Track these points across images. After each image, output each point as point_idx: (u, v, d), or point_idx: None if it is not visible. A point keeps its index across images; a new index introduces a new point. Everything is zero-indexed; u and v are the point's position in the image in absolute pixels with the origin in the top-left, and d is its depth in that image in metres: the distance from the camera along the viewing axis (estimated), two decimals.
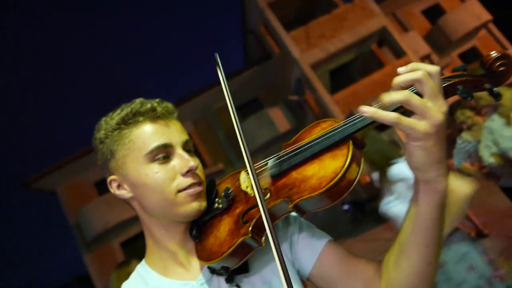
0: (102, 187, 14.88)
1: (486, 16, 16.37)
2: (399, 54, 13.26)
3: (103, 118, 0.78)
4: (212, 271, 0.73)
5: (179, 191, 0.72)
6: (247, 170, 0.73)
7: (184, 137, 0.77)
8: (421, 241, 0.63)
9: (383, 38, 13.67)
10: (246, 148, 0.66)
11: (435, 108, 0.55)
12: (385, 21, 13.33)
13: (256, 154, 15.06)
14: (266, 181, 0.72)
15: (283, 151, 0.74)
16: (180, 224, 0.76)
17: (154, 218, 0.77)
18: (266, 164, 0.74)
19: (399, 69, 0.57)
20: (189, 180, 0.73)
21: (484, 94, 3.28)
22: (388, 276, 0.69)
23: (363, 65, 15.02)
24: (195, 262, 0.78)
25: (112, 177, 0.77)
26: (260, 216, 0.66)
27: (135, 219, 14.03)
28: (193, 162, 0.73)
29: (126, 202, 0.80)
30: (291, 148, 0.71)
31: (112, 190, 0.78)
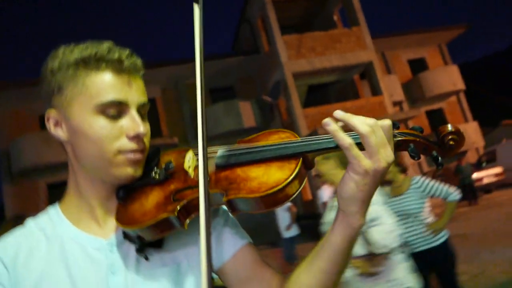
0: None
1: (460, 85, 17.50)
2: (376, 92, 13.78)
3: (62, 48, 0.71)
4: (126, 236, 0.70)
5: (119, 152, 0.69)
6: (195, 151, 0.73)
7: (142, 99, 0.72)
8: (325, 268, 0.66)
9: (366, 71, 14.13)
10: (204, 130, 0.64)
11: (383, 155, 0.58)
12: (374, 57, 13.80)
13: (213, 140, 14.95)
14: (209, 168, 0.70)
15: (236, 145, 0.74)
16: (108, 183, 0.73)
17: (83, 169, 0.73)
18: (216, 152, 0.73)
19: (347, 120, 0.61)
20: (132, 145, 0.69)
21: (393, 169, 3.43)
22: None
23: (341, 90, 15.44)
24: (111, 222, 0.75)
25: (53, 112, 0.72)
26: (192, 199, 0.65)
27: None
28: (142, 128, 0.69)
29: (59, 143, 0.75)
30: (245, 146, 0.71)
31: (48, 126, 0.73)
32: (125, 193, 0.73)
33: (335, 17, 15.48)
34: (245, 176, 0.65)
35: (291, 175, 0.61)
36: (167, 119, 15.22)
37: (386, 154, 0.58)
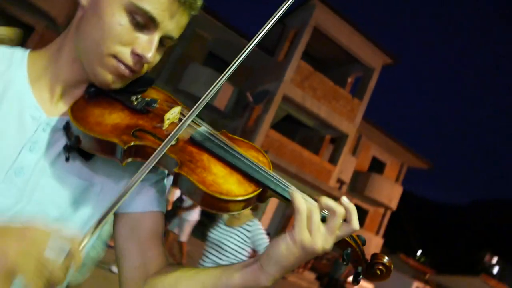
0: None
1: (394, 204, 18.83)
2: (333, 160, 14.35)
3: None
4: (67, 128, 0.67)
5: (114, 56, 0.65)
6: (184, 111, 0.73)
7: (174, 33, 0.69)
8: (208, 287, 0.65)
9: (338, 139, 14.71)
10: (205, 100, 0.64)
11: (322, 238, 0.60)
12: (353, 133, 14.41)
13: (179, 95, 14.54)
14: (183, 134, 0.69)
15: (220, 134, 0.74)
16: (86, 73, 0.69)
17: (76, 42, 0.68)
18: (199, 126, 0.72)
19: (343, 197, 0.63)
20: (128, 60, 0.66)
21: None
22: (160, 281, 0.69)
23: (308, 138, 15.89)
24: (62, 105, 0.71)
25: None
26: (148, 146, 0.64)
27: (42, 13, 12.22)
28: (150, 55, 0.66)
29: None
30: (226, 142, 0.71)
31: None
32: (95, 94, 0.70)
33: (349, 79, 16.00)
34: (207, 165, 0.65)
35: (243, 195, 0.62)
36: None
37: (327, 241, 0.60)
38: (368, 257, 0.67)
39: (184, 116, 0.71)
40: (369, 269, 0.66)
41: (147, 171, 0.57)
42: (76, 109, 0.66)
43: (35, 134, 0.66)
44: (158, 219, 0.77)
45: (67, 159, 0.66)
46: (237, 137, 0.75)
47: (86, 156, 0.68)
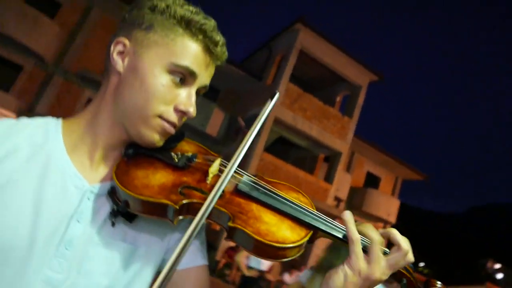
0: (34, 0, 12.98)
1: (392, 218, 18.77)
2: (328, 179, 14.38)
3: None
4: (112, 193, 0.67)
5: (160, 116, 0.68)
6: (223, 162, 0.73)
7: (206, 82, 0.73)
8: None
9: (331, 158, 14.79)
10: (243, 151, 0.65)
11: (382, 267, 0.62)
12: (345, 151, 14.52)
13: None
14: (229, 186, 0.70)
15: (260, 180, 0.74)
16: (126, 135, 0.71)
17: (115, 107, 0.69)
18: (241, 176, 0.72)
19: (396, 233, 0.64)
20: (173, 117, 0.69)
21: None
22: None
23: (302, 158, 15.95)
24: (102, 170, 0.72)
25: (125, 41, 0.69)
26: (197, 202, 0.64)
27: (29, 51, 12.32)
28: (192, 109, 0.69)
29: (106, 68, 0.71)
30: (270, 188, 0.72)
31: (111, 50, 0.70)
32: (135, 154, 0.71)
33: (338, 98, 16.28)
34: (258, 215, 0.66)
35: (298, 241, 0.63)
36: None
37: (384, 270, 0.62)
38: (420, 283, 0.68)
39: (224, 167, 0.72)
40: None
41: (199, 227, 0.57)
42: (120, 173, 0.66)
43: (81, 205, 0.66)
44: (203, 272, 0.77)
45: (113, 224, 0.66)
46: (274, 180, 0.76)
47: (130, 219, 0.68)
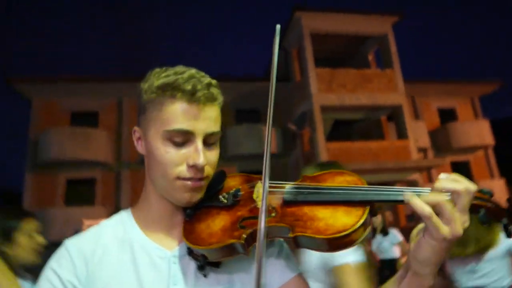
0: (77, 119, 14.51)
1: (489, 140, 17.10)
2: (401, 136, 13.64)
3: (155, 71, 0.77)
4: (190, 252, 0.74)
5: (178, 178, 0.74)
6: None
7: (210, 128, 0.75)
8: None
9: (394, 114, 14.07)
10: (267, 164, 0.68)
11: (460, 221, 0.60)
12: (404, 101, 13.75)
13: (232, 161, 15.03)
14: (276, 201, 0.74)
15: (302, 182, 0.76)
16: (172, 201, 0.79)
17: (153, 184, 0.79)
18: (283, 187, 0.75)
19: (441, 175, 0.63)
20: (190, 173, 0.73)
21: None
22: None
23: (366, 129, 15.38)
24: (176, 234, 0.80)
25: (137, 128, 0.80)
26: (257, 229, 0.65)
27: (92, 163, 13.70)
28: (202, 159, 0.72)
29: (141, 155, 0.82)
30: (312, 184, 0.74)
31: (133, 138, 0.81)
32: (193, 212, 0.78)
33: (370, 57, 15.63)
34: (312, 215, 0.68)
35: (358, 222, 0.63)
36: None
37: (464, 220, 0.60)
38: (504, 204, 0.65)
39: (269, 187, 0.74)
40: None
41: (263, 250, 0.58)
42: (187, 234, 0.73)
43: (170, 270, 0.75)
44: (300, 279, 0.81)
45: (205, 276, 0.73)
46: (318, 173, 0.78)
47: (216, 264, 0.74)
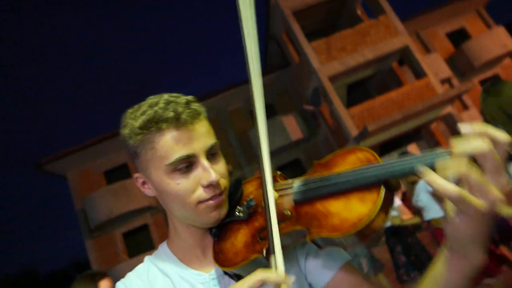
0: (110, 176, 15.07)
1: (511, 44, 16.15)
2: (419, 75, 13.15)
3: (128, 112, 0.75)
4: (225, 272, 0.74)
5: (199, 202, 0.73)
6: (275, 187, 0.73)
7: (208, 142, 0.74)
8: None
9: (404, 57, 13.59)
10: (267, 168, 0.66)
11: (494, 188, 0.48)
12: (408, 40, 13.26)
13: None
14: (289, 203, 0.70)
15: (313, 172, 0.71)
16: (199, 227, 0.79)
17: (176, 217, 0.80)
18: (292, 187, 0.72)
19: (463, 128, 0.51)
20: (209, 193, 0.73)
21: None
22: None
23: (382, 81, 14.95)
24: (210, 257, 0.81)
25: (137, 174, 0.78)
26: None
27: (139, 211, 14.17)
28: (214, 175, 0.71)
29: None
30: (321, 175, 0.68)
31: (137, 185, 0.79)
32: (218, 231, 0.77)
33: (359, 11, 15.19)
34: (325, 211, 0.62)
35: (373, 209, 0.56)
36: None
37: (501, 183, 0.49)
38: None
39: (279, 189, 0.73)
40: None
41: (281, 255, 0.58)
42: (217, 257, 0.73)
43: None
44: (348, 268, 0.78)
45: None
46: (329, 157, 0.72)
47: None
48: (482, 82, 16.58)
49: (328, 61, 13.01)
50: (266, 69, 17.78)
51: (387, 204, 0.59)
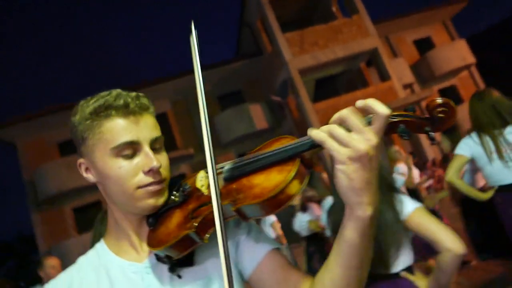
0: (65, 148, 14.40)
1: (470, 58, 17.14)
2: (385, 78, 13.63)
3: (81, 103, 0.79)
4: (158, 258, 0.77)
5: (139, 187, 0.76)
6: (206, 170, 0.78)
7: (153, 134, 0.79)
8: (343, 263, 0.68)
9: (372, 58, 14.00)
10: (210, 148, 0.70)
11: (360, 139, 0.59)
12: (378, 43, 13.66)
13: (228, 146, 15.04)
14: (219, 182, 0.75)
15: (241, 158, 0.78)
16: (137, 214, 0.81)
17: (115, 204, 0.82)
18: (222, 167, 0.78)
19: (357, 103, 0.62)
20: (149, 179, 0.76)
21: (444, 139, 3.76)
22: None
23: (349, 80, 15.34)
24: (146, 247, 0.83)
25: (81, 160, 0.81)
26: (208, 214, 0.71)
27: (92, 188, 13.68)
28: (156, 162, 0.75)
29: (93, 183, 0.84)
30: (248, 157, 0.76)
31: (80, 172, 0.82)
32: (154, 220, 0.80)
33: (334, 8, 15.39)
34: (249, 184, 0.70)
35: (288, 176, 0.65)
36: (180, 131, 15.40)
37: (366, 138, 0.59)
38: (425, 114, 0.65)
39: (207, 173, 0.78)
40: (433, 121, 0.64)
41: (223, 230, 0.64)
42: (150, 241, 0.77)
43: (144, 282, 0.79)
44: (274, 255, 0.83)
45: (179, 277, 0.77)
46: (260, 146, 0.79)
47: (189, 263, 0.78)
48: (440, 91, 17.50)
49: (300, 54, 13.12)
50: (237, 55, 17.61)
51: (302, 175, 0.67)
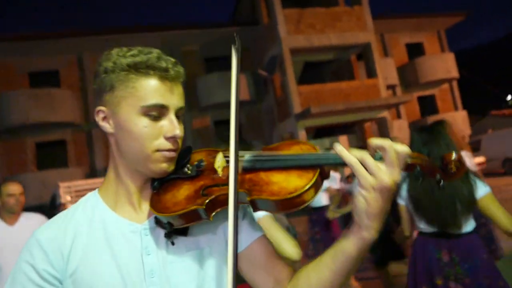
0: (36, 79, 13.71)
1: (454, 73, 17.64)
2: (371, 74, 13.80)
3: (116, 50, 0.79)
4: (158, 222, 0.79)
5: (157, 150, 0.77)
6: (225, 154, 0.82)
7: (180, 103, 0.80)
8: (334, 269, 0.74)
9: (364, 53, 14.09)
10: (236, 139, 0.73)
11: (387, 173, 0.66)
12: (373, 39, 13.72)
13: (206, 111, 14.90)
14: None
15: (262, 152, 0.82)
16: (145, 174, 0.82)
17: (124, 160, 0.81)
18: (243, 157, 0.81)
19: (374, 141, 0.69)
20: (168, 145, 0.78)
21: None
22: (296, 283, 0.81)
23: (337, 70, 15.41)
24: (145, 208, 0.84)
25: (102, 108, 0.80)
26: (219, 195, 0.75)
27: (60, 124, 13.24)
28: (178, 131, 0.78)
29: (104, 133, 0.83)
30: (270, 154, 0.79)
31: (96, 119, 0.81)
32: (160, 184, 0.83)
33: None
34: (267, 180, 0.74)
35: (308, 183, 0.70)
36: None
37: (392, 173, 0.66)
38: (437, 163, 0.72)
39: (228, 156, 0.80)
40: (445, 171, 0.71)
41: (235, 212, 0.69)
42: (155, 205, 0.78)
43: (142, 242, 0.80)
44: (264, 241, 0.87)
45: (173, 243, 0.80)
46: (276, 144, 0.83)
47: (183, 233, 0.80)
48: (419, 98, 18.00)
49: (295, 33, 12.97)
50: (233, 20, 17.15)
51: (318, 185, 0.72)
